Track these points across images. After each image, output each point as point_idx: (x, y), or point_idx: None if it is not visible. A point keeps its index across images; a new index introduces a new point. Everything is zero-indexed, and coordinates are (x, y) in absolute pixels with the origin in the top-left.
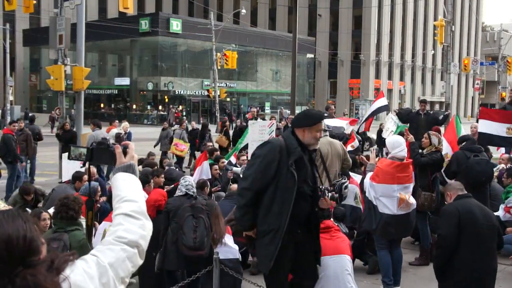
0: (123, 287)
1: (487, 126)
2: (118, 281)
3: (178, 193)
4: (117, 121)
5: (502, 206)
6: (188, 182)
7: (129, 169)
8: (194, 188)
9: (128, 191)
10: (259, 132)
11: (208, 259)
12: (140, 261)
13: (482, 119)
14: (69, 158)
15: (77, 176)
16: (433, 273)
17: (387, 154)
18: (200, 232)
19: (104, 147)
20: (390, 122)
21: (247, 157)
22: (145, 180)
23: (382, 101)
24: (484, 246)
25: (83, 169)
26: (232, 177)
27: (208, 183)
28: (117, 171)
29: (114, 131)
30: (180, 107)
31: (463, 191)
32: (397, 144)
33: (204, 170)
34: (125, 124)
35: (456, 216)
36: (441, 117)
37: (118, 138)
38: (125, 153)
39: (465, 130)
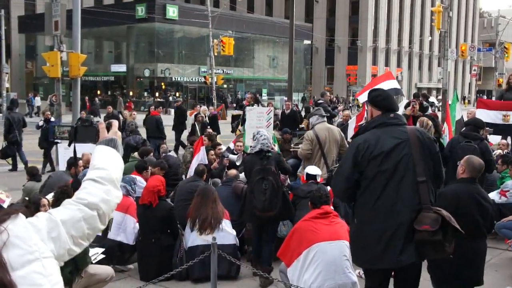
0: (76, 248)
1: (483, 115)
2: (70, 239)
3: (253, 149)
4: (198, 105)
5: (497, 191)
6: (265, 136)
7: (110, 143)
8: (269, 142)
9: (101, 160)
10: (257, 119)
11: (279, 216)
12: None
13: (479, 109)
14: (54, 137)
15: (72, 163)
16: None
17: None
18: (269, 194)
19: (88, 125)
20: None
21: (243, 144)
22: (142, 166)
23: (393, 83)
24: (476, 229)
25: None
26: (227, 164)
27: (206, 170)
28: (99, 145)
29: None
30: (177, 94)
31: (473, 174)
32: None
33: (202, 156)
34: (204, 108)
35: (455, 203)
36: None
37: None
38: (108, 129)
39: (460, 109)
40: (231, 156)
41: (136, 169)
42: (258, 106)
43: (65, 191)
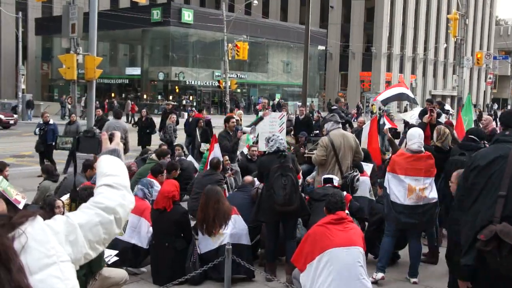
0: (93, 253)
1: None
2: (87, 243)
3: (270, 149)
4: (236, 109)
5: None
6: (281, 137)
7: (113, 153)
8: (285, 144)
9: (110, 168)
10: (269, 124)
11: (298, 211)
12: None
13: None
14: (56, 148)
15: (87, 165)
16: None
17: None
18: (288, 189)
19: (90, 135)
20: (416, 110)
21: (257, 149)
22: (158, 170)
23: (403, 89)
24: None
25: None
26: (241, 136)
27: (221, 162)
28: (102, 155)
29: None
30: (191, 97)
31: None
32: (411, 137)
33: (217, 153)
34: (240, 112)
35: None
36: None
37: None
38: (111, 140)
39: (475, 115)
40: (245, 129)
41: (152, 173)
42: (280, 111)
43: (92, 193)
